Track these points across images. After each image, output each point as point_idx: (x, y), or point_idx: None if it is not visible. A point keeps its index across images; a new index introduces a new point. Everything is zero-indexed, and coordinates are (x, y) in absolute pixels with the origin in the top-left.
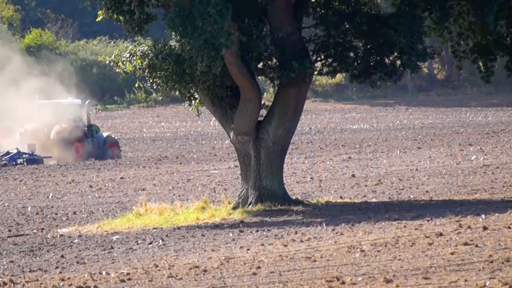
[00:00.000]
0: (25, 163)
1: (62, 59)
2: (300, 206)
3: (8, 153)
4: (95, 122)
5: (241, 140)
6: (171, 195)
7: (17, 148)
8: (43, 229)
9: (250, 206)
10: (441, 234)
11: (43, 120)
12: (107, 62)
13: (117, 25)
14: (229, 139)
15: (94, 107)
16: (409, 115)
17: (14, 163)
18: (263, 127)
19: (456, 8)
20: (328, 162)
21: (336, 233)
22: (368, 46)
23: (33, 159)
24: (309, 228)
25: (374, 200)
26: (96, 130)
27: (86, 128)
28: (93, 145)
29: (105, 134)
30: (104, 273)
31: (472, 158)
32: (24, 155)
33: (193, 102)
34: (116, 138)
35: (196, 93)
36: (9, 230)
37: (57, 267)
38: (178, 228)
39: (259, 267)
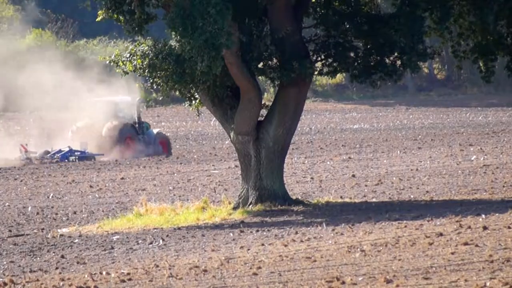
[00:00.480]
0: (76, 161)
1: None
2: (300, 206)
3: (60, 151)
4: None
5: (242, 140)
6: (172, 195)
7: (69, 146)
8: (43, 229)
9: (251, 206)
10: (441, 234)
11: (95, 118)
12: (107, 62)
13: (117, 25)
14: (230, 139)
15: (144, 104)
16: (409, 115)
17: (66, 160)
18: (263, 127)
19: (456, 8)
20: (328, 162)
21: (336, 233)
22: (369, 46)
23: (85, 157)
24: (309, 228)
25: (374, 200)
26: (147, 127)
27: (137, 125)
28: (144, 142)
29: (155, 131)
30: (104, 273)
31: (472, 158)
32: (76, 153)
33: (193, 102)
34: (166, 134)
35: (196, 93)
36: (10, 230)
37: (57, 267)
38: (179, 228)
39: (259, 267)
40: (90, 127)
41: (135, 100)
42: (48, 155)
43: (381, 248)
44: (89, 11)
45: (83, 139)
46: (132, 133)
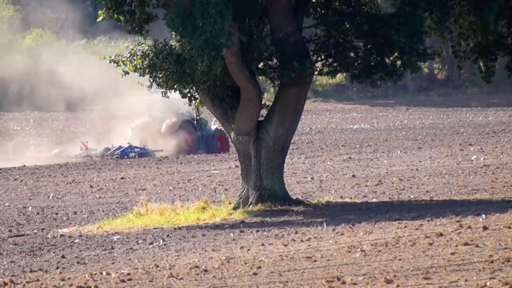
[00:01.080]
0: (136, 157)
1: None
2: (300, 206)
3: (120, 147)
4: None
5: (242, 140)
6: (172, 195)
7: (129, 143)
8: (43, 229)
9: (251, 206)
10: (441, 234)
11: (154, 115)
12: (107, 62)
13: (118, 24)
14: (230, 139)
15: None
16: (409, 115)
17: (126, 157)
18: (263, 127)
19: (456, 8)
20: (328, 162)
21: (337, 233)
22: (369, 46)
23: (145, 153)
24: (309, 228)
25: (374, 200)
26: (205, 123)
27: (195, 122)
28: (202, 138)
29: (213, 127)
30: (104, 273)
31: (473, 158)
32: (135, 149)
33: (193, 102)
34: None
35: (196, 93)
36: (10, 230)
37: (57, 267)
38: (179, 228)
39: (259, 267)
40: (149, 124)
41: None
42: (109, 152)
43: (381, 248)
44: (89, 11)
45: (142, 136)
46: (191, 130)
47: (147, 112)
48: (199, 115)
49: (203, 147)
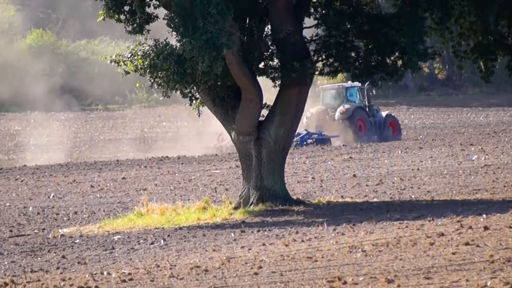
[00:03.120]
0: (314, 143)
1: None
2: (301, 206)
3: (299, 134)
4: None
5: (243, 140)
6: (173, 195)
7: (306, 129)
8: (44, 229)
9: (252, 206)
10: (442, 234)
11: (327, 103)
12: (108, 62)
13: (118, 25)
14: (231, 139)
15: (373, 89)
16: (410, 115)
17: (305, 143)
18: (264, 127)
19: (457, 8)
20: (329, 162)
21: (338, 233)
22: (369, 46)
23: (322, 139)
24: (310, 228)
25: (375, 200)
26: (376, 110)
27: (367, 108)
28: (374, 125)
29: (384, 114)
30: (105, 273)
31: (473, 158)
32: (313, 135)
33: (194, 102)
34: (395, 116)
35: (197, 93)
36: (11, 231)
37: (58, 268)
38: (180, 228)
39: (260, 267)
40: (323, 112)
41: (365, 85)
42: None
43: (382, 248)
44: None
45: (317, 123)
46: (364, 116)
47: (320, 100)
48: (371, 101)
49: (375, 133)
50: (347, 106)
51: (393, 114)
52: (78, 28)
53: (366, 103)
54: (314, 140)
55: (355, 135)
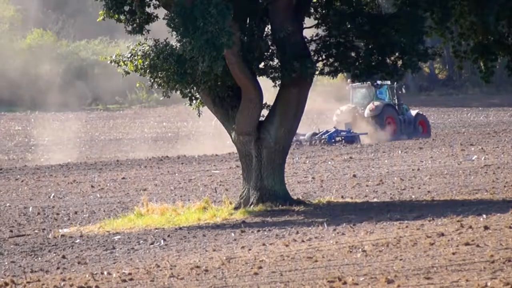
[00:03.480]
0: (343, 141)
1: None
2: (301, 206)
3: (327, 131)
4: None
5: (243, 140)
6: (173, 195)
7: (335, 127)
8: (44, 229)
9: (252, 206)
10: (442, 234)
11: (357, 101)
12: (108, 62)
13: (118, 25)
14: (231, 139)
15: (402, 87)
16: None
17: (333, 141)
18: (264, 127)
19: (457, 8)
20: (329, 162)
21: (338, 233)
22: (370, 46)
23: (351, 137)
24: (310, 228)
25: (375, 200)
26: (406, 108)
27: (396, 106)
28: (404, 123)
29: (414, 112)
30: (105, 273)
31: (473, 158)
32: (341, 133)
33: (194, 102)
34: (425, 115)
35: (197, 93)
36: (11, 231)
37: (58, 268)
38: (180, 228)
39: (260, 267)
40: (352, 110)
41: (394, 83)
42: (316, 136)
43: (382, 248)
44: (90, 11)
45: (347, 121)
46: (393, 114)
47: (350, 98)
48: (400, 100)
49: (405, 131)
50: (376, 103)
51: (422, 113)
52: (78, 28)
53: (396, 102)
54: (342, 137)
55: (384, 132)
